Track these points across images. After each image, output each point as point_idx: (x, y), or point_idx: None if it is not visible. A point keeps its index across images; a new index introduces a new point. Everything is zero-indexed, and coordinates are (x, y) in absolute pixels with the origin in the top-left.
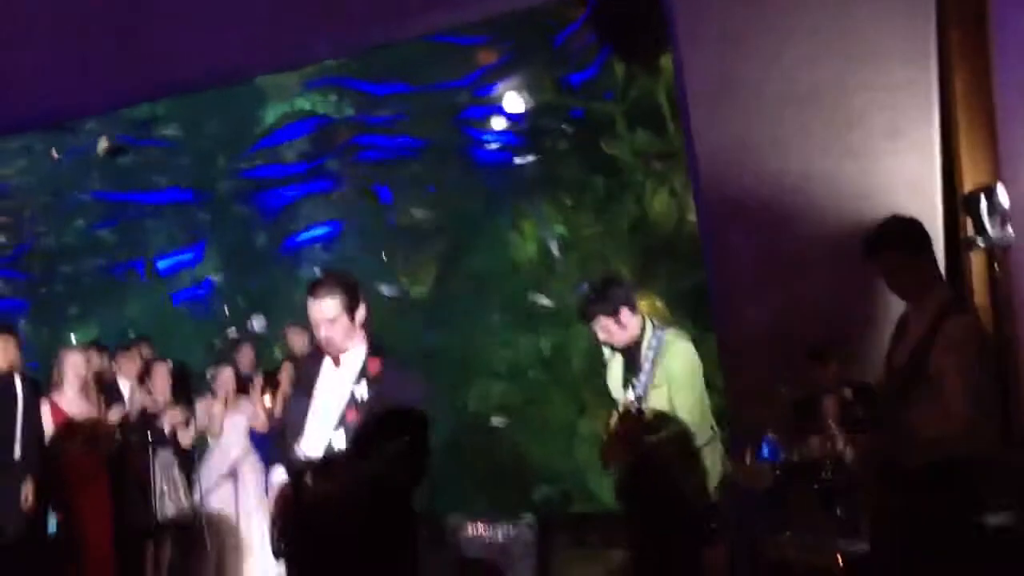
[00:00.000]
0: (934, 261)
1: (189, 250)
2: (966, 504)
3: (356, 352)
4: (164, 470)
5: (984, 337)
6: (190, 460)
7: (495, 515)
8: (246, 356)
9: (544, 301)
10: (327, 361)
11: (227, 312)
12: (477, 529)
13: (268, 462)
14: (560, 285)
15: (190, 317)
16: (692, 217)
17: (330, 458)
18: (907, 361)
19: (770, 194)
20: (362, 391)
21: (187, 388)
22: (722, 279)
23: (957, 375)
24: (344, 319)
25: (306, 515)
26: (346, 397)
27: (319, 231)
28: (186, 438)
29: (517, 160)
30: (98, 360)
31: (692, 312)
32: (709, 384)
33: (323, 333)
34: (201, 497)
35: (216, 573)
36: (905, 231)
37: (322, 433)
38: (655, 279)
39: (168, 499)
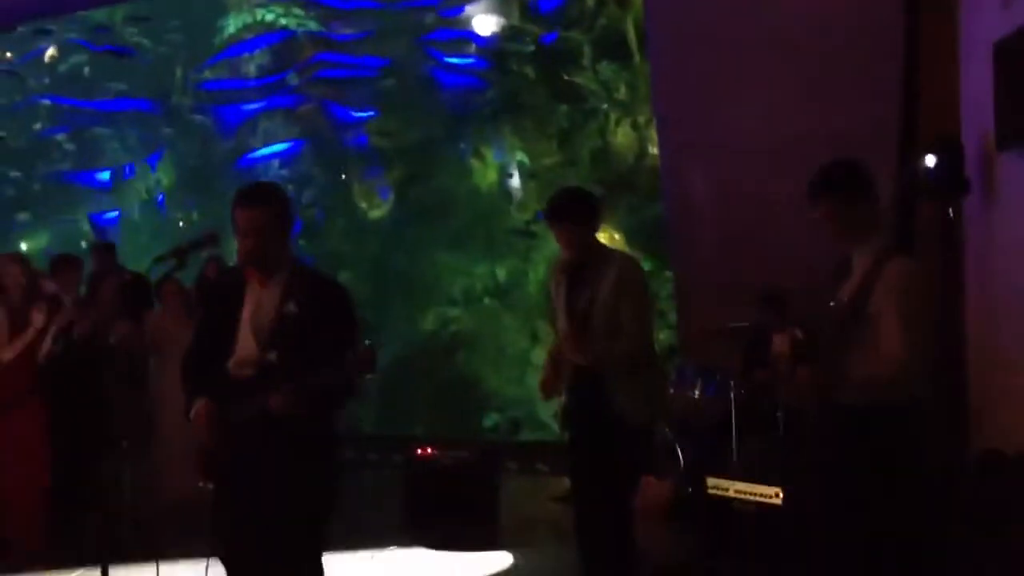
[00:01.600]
0: (876, 206)
1: (145, 160)
2: (898, 444)
3: (283, 269)
4: (114, 383)
5: (924, 282)
6: (141, 373)
7: (446, 440)
8: (210, 270)
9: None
10: (253, 280)
11: (181, 225)
12: (427, 453)
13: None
14: (519, 214)
15: (143, 228)
16: (653, 151)
17: (256, 377)
18: (848, 302)
19: (732, 133)
20: (290, 308)
21: (139, 300)
22: (680, 216)
23: (894, 317)
24: (273, 232)
25: (232, 436)
26: (271, 315)
27: (278, 147)
28: (137, 351)
29: (481, 85)
30: (35, 269)
31: (648, 247)
32: (663, 319)
33: (248, 244)
34: (152, 410)
35: (167, 486)
36: (848, 176)
37: (247, 352)
38: (613, 211)
39: (118, 413)
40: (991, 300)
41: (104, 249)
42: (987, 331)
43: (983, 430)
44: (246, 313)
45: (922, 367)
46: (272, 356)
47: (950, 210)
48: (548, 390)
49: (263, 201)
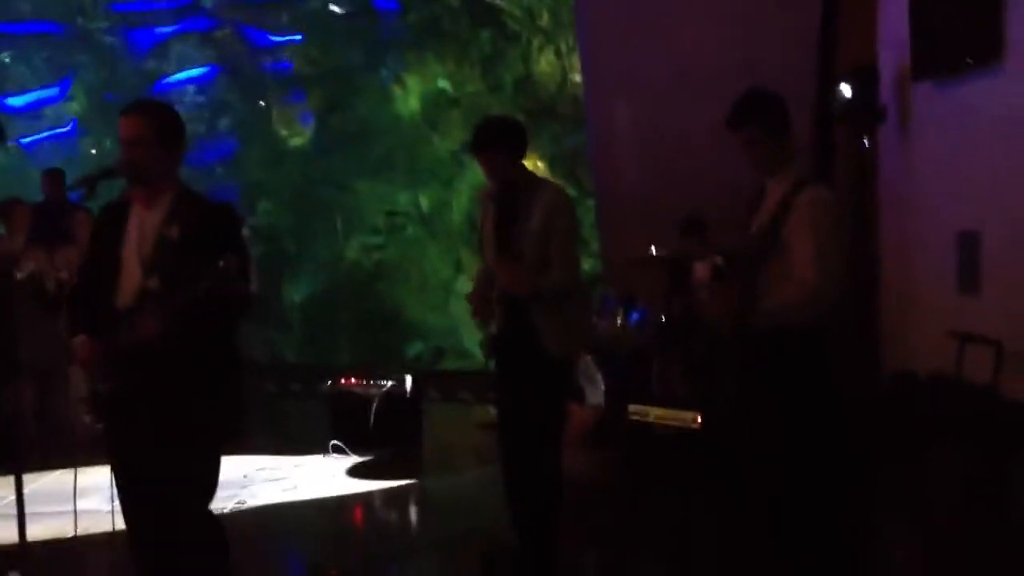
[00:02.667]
0: (791, 137)
1: (53, 86)
2: (810, 368)
3: (168, 192)
4: (29, 315)
5: (835, 209)
6: (54, 305)
7: (368, 369)
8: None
9: None
10: (137, 205)
11: (93, 152)
12: (351, 382)
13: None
14: (442, 142)
15: (53, 157)
16: (576, 78)
17: (135, 306)
18: (762, 229)
19: (656, 63)
20: (171, 231)
21: (49, 231)
22: (603, 144)
23: (806, 243)
24: (153, 144)
25: (115, 371)
26: (153, 239)
27: (193, 72)
28: (50, 283)
29: (402, 10)
30: None
31: (570, 175)
32: (585, 247)
33: (127, 155)
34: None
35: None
36: (766, 106)
37: (130, 281)
38: (536, 139)
39: (33, 343)
40: (904, 226)
41: (54, 175)
42: (900, 257)
43: (896, 353)
44: (130, 239)
45: (835, 294)
46: (152, 282)
47: (865, 139)
48: (479, 310)
49: (144, 111)
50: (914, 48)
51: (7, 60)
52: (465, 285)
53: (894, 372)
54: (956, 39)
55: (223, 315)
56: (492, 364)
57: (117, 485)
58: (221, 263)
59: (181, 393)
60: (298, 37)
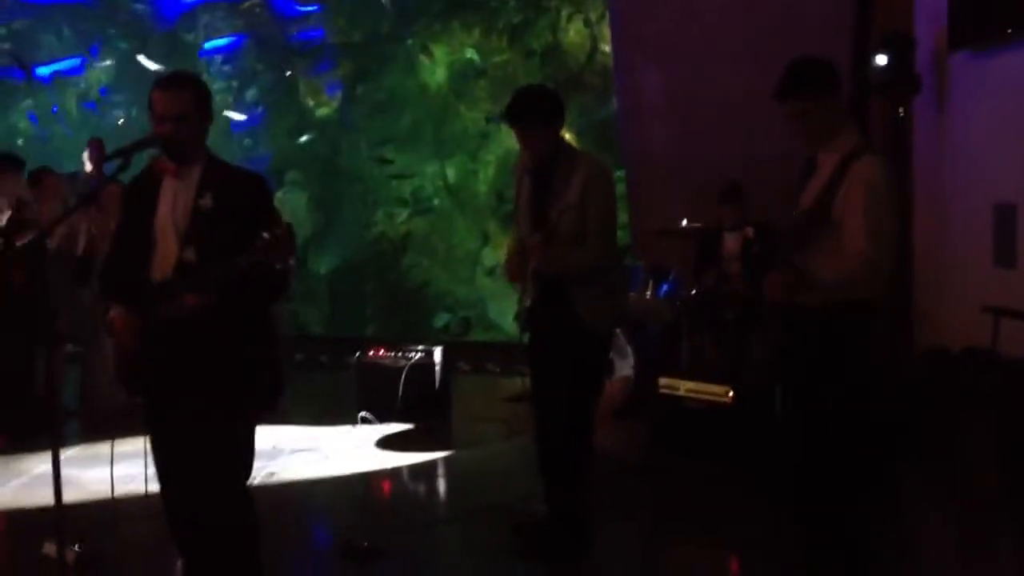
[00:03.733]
0: (844, 105)
1: (81, 56)
2: (858, 345)
3: (199, 162)
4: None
5: (889, 180)
6: (86, 272)
7: (396, 340)
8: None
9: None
10: (168, 176)
11: (120, 123)
12: (379, 354)
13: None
14: (469, 112)
15: (83, 126)
16: (605, 48)
17: (174, 277)
18: (814, 202)
19: (685, 32)
20: (205, 201)
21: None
22: (633, 115)
23: (860, 215)
24: (193, 118)
25: (155, 344)
26: (186, 210)
27: (220, 42)
28: (78, 250)
29: None
30: None
31: (599, 145)
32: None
33: (169, 130)
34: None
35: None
36: (819, 74)
37: (167, 252)
38: (565, 110)
39: (63, 311)
40: (938, 200)
41: (96, 144)
42: (934, 231)
43: (929, 329)
44: (163, 210)
45: (889, 266)
46: (190, 253)
47: (900, 109)
48: (515, 272)
49: (182, 85)
50: (951, 16)
51: (35, 29)
52: (491, 256)
53: (927, 348)
54: (994, 8)
55: (264, 290)
56: (526, 337)
57: (155, 459)
58: (265, 235)
59: (220, 367)
60: (324, 7)
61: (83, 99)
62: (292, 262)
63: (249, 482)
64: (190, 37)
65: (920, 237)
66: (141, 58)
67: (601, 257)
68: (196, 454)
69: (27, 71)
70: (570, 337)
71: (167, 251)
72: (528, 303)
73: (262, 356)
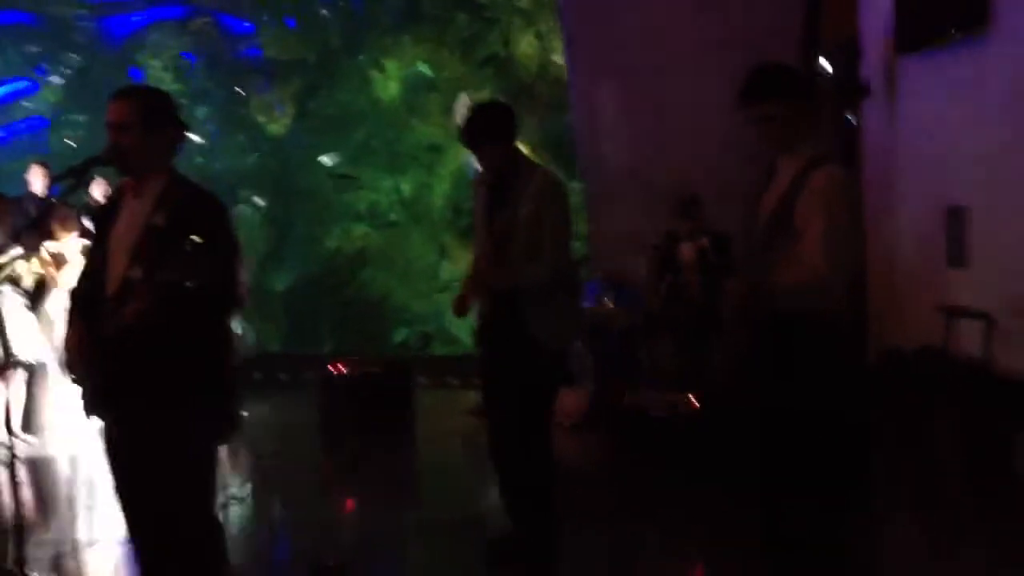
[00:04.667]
0: (812, 113)
1: (26, 78)
2: (821, 350)
3: (158, 179)
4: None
5: (847, 190)
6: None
7: (357, 356)
8: (97, 189)
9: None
10: (128, 194)
11: (73, 145)
12: (340, 369)
13: None
14: (422, 126)
15: (28, 151)
16: (557, 59)
17: (119, 294)
18: (774, 209)
19: (637, 43)
20: (157, 220)
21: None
22: (589, 126)
23: (819, 231)
24: (137, 128)
25: (101, 360)
26: (140, 227)
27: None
28: (28, 279)
29: None
30: None
31: (555, 157)
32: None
33: (112, 140)
34: (52, 336)
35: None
36: (788, 80)
37: (117, 269)
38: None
39: (17, 338)
40: (891, 202)
41: (40, 167)
42: (887, 233)
43: (884, 329)
44: (118, 228)
45: (844, 280)
46: (136, 271)
47: (849, 114)
48: (461, 308)
49: (129, 95)
50: (898, 20)
51: None
52: (449, 271)
53: (883, 348)
54: (940, 10)
55: (207, 304)
56: (480, 353)
57: (114, 482)
58: (188, 246)
59: (169, 386)
60: (272, 23)
61: (26, 123)
62: (242, 281)
63: (215, 506)
64: (139, 57)
65: (873, 240)
66: None
67: (556, 270)
68: (147, 476)
69: None
70: (522, 354)
71: (117, 269)
72: (483, 319)
73: (213, 377)
